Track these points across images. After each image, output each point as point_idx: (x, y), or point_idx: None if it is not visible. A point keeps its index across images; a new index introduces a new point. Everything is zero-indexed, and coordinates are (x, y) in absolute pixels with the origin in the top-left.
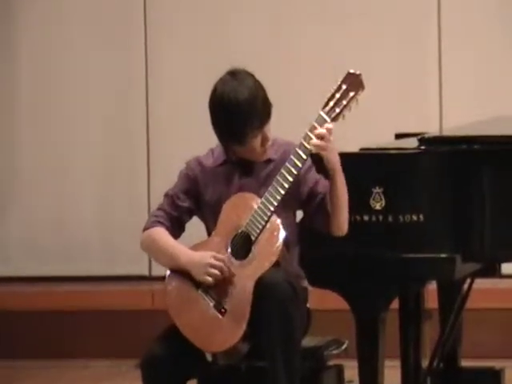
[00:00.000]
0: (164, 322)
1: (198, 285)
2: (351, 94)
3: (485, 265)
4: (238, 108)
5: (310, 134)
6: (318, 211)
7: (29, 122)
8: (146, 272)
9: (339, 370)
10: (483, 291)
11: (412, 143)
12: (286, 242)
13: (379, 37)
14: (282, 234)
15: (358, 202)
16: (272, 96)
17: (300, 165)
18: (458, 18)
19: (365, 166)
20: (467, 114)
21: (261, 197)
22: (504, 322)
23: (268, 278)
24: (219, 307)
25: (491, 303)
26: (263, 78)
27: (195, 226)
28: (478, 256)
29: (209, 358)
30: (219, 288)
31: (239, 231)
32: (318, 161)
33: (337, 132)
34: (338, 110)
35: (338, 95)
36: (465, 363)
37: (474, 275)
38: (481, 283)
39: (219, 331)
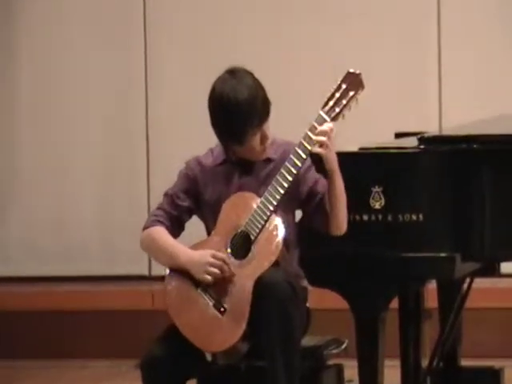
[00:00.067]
0: (164, 322)
1: (197, 284)
2: (351, 93)
3: (484, 264)
4: (238, 108)
5: (309, 133)
6: (317, 211)
7: (29, 122)
8: (145, 272)
9: (339, 369)
10: (483, 290)
11: (412, 142)
12: (285, 241)
13: (379, 37)
14: (282, 233)
15: (358, 202)
16: (272, 96)
17: (300, 164)
18: (457, 18)
19: (364, 165)
20: (467, 113)
21: (260, 196)
22: (503, 321)
23: (267, 278)
24: (219, 307)
25: (491, 302)
26: (263, 77)
27: (195, 226)
28: (477, 255)
29: (208, 357)
30: (219, 287)
31: (239, 231)
32: (317, 161)
33: (337, 131)
34: (337, 110)
35: (337, 95)
36: (464, 362)
37: (474, 274)
38: (480, 282)
39: (219, 331)
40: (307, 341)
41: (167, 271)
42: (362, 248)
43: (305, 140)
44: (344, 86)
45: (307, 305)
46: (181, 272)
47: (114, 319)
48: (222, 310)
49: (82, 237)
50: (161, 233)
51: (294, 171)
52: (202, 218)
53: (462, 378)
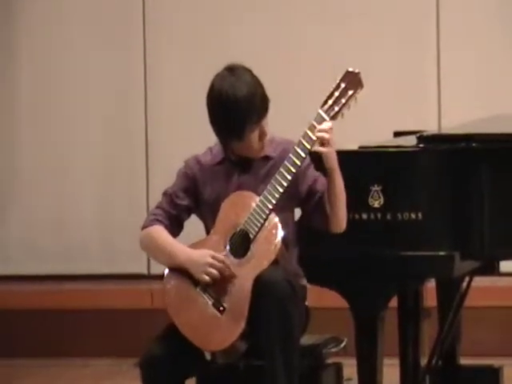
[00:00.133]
0: (163, 321)
1: (196, 283)
2: (350, 92)
3: (483, 263)
4: (237, 105)
5: (309, 132)
6: (316, 209)
7: (29, 122)
8: (144, 271)
9: (338, 367)
10: (482, 289)
11: (411, 141)
12: (284, 240)
13: (379, 37)
14: (281, 232)
15: (357, 200)
16: (272, 96)
17: (299, 163)
18: (456, 18)
19: (363, 164)
20: (466, 114)
21: (259, 194)
22: (503, 319)
23: (267, 277)
24: (218, 305)
25: (490, 301)
26: (263, 77)
27: (194, 225)
28: (476, 254)
29: (208, 356)
30: (218, 286)
31: (238, 229)
32: (316, 159)
33: (336, 130)
34: (336, 109)
35: (336, 93)
36: (464, 361)
37: (473, 273)
38: (479, 281)
39: (218, 330)
40: (306, 339)
41: (166, 270)
42: (361, 247)
43: (304, 139)
44: (343, 85)
45: (306, 303)
46: (180, 271)
47: (113, 318)
48: (222, 309)
49: (81, 236)
50: (160, 232)
51: (293, 170)
52: (201, 216)
53: (461, 377)
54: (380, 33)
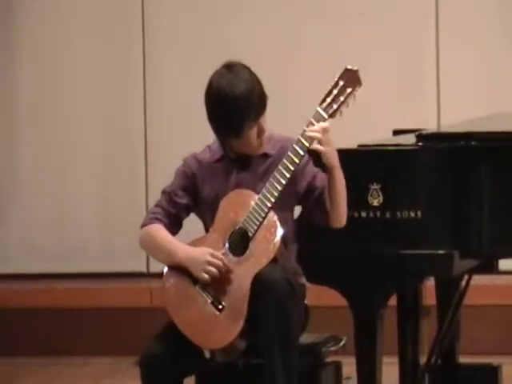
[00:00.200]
0: (162, 319)
1: (195, 281)
2: (348, 90)
3: (482, 261)
4: (235, 102)
5: (307, 129)
6: (316, 206)
7: (29, 122)
8: (144, 269)
9: (337, 366)
10: (481, 288)
11: (410, 140)
12: (283, 238)
13: (378, 36)
14: (280, 230)
15: (356, 199)
16: (272, 95)
17: (297, 161)
18: (456, 18)
19: (363, 162)
20: (465, 113)
21: (258, 192)
22: (502, 318)
23: (266, 275)
24: (217, 304)
25: (489, 300)
26: (263, 77)
27: (192, 223)
28: (475, 252)
29: (207, 354)
30: (217, 285)
31: (236, 227)
32: (315, 156)
33: (335, 129)
34: (335, 106)
35: (335, 91)
36: (463, 359)
37: (472, 271)
38: (478, 279)
39: (217, 328)
40: (305, 338)
41: (165, 269)
42: (360, 245)
43: (302, 137)
44: (341, 83)
45: (305, 302)
46: (179, 269)
47: (112, 316)
48: (220, 307)
49: (81, 236)
50: (159, 230)
51: (292, 168)
52: (200, 215)
53: (460, 375)
54: (379, 33)
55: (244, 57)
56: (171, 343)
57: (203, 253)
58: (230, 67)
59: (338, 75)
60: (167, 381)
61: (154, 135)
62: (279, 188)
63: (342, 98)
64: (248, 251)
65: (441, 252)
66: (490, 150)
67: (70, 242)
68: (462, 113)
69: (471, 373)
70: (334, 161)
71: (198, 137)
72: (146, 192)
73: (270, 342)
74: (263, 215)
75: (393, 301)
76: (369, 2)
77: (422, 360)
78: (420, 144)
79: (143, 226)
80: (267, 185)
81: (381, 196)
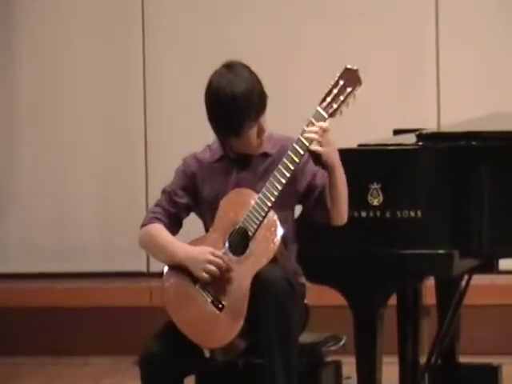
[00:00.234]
0: (162, 319)
1: (195, 281)
2: (348, 89)
3: (483, 261)
4: (235, 102)
5: (306, 129)
6: (317, 204)
7: (29, 122)
8: (143, 268)
9: (337, 366)
10: (481, 287)
11: (410, 139)
12: (283, 238)
13: (378, 36)
14: (280, 230)
15: (356, 198)
16: (272, 95)
17: (297, 160)
18: (456, 18)
19: (363, 162)
20: (465, 113)
21: (258, 191)
22: (502, 318)
23: (265, 275)
24: (217, 303)
25: (489, 299)
26: (263, 77)
27: (192, 222)
28: (475, 252)
29: (207, 354)
30: (217, 284)
31: (236, 227)
32: (316, 156)
33: (336, 128)
34: (335, 106)
35: (335, 91)
36: (463, 359)
37: (472, 271)
38: (478, 279)
39: (217, 327)
40: (305, 337)
41: (165, 268)
42: (360, 245)
43: (302, 136)
44: (342, 82)
45: (305, 301)
46: (179, 269)
47: (112, 316)
48: (220, 306)
49: (81, 236)
50: (159, 230)
51: (292, 167)
52: (200, 214)
53: (460, 375)
54: (380, 33)
55: (244, 57)
56: (171, 343)
57: (203, 252)
58: (229, 67)
59: (338, 75)
60: (167, 380)
61: (154, 135)
62: (279, 187)
63: (342, 98)
64: (248, 250)
65: (441, 252)
66: (491, 150)
67: (70, 242)
68: (462, 113)
69: (471, 373)
70: (335, 160)
71: (198, 137)
72: (145, 192)
73: (269, 342)
74: (263, 214)
75: (393, 300)
76: (369, 1)
77: (422, 360)
78: (420, 144)
79: (143, 225)
80: (267, 184)
81: (381, 196)
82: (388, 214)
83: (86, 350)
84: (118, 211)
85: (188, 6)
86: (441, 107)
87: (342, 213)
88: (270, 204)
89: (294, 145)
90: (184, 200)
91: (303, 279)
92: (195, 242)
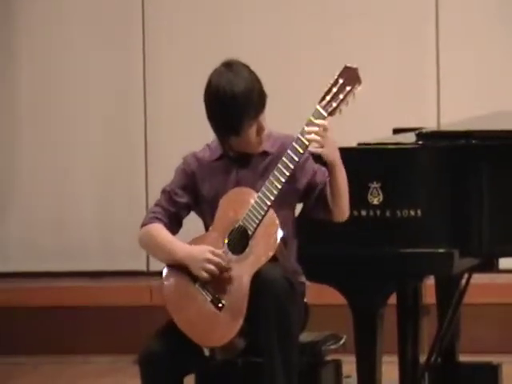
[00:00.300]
0: (162, 318)
1: (195, 280)
2: (348, 88)
3: (482, 260)
4: (234, 101)
5: (306, 129)
6: (318, 202)
7: (29, 122)
8: (143, 267)
9: (337, 365)
10: (481, 286)
11: (410, 138)
12: (283, 237)
13: (378, 36)
14: (280, 232)
15: (356, 197)
16: (271, 96)
17: (297, 159)
18: (456, 18)
19: (362, 161)
20: (465, 114)
21: (258, 190)
22: (502, 317)
23: (265, 274)
24: (216, 302)
25: (489, 298)
26: (263, 77)
27: (192, 222)
28: (475, 251)
29: (206, 353)
30: (216, 283)
31: (236, 226)
32: (316, 155)
33: (335, 127)
34: (334, 105)
35: (334, 89)
36: (463, 358)
37: (472, 270)
38: (478, 278)
39: (216, 326)
40: (305, 336)
41: (165, 267)
42: (360, 244)
43: (302, 135)
44: (341, 81)
45: (305, 300)
46: (179, 268)
47: (112, 315)
48: (220, 305)
49: (81, 236)
50: (159, 230)
51: (291, 166)
52: (200, 213)
53: (460, 374)
54: (380, 32)
55: (244, 56)
56: (171, 341)
57: (203, 251)
58: (229, 65)
59: (337, 73)
60: (166, 379)
61: (154, 135)
62: (279, 186)
63: (341, 96)
64: (247, 249)
65: (441, 251)
66: (490, 149)
67: (70, 242)
68: (462, 113)
69: (471, 371)
70: (335, 158)
71: (198, 136)
72: (145, 192)
73: (269, 341)
74: (263, 213)
75: (392, 299)
76: (369, 1)
77: (422, 359)
78: (420, 142)
79: (143, 225)
80: (267, 183)
81: (381, 195)
82: (388, 213)
83: (87, 349)
84: (118, 211)
85: (188, 5)
86: (441, 108)
87: (343, 209)
88: (269, 203)
89: (294, 144)
90: (184, 199)
91: (303, 278)
92: (195, 241)
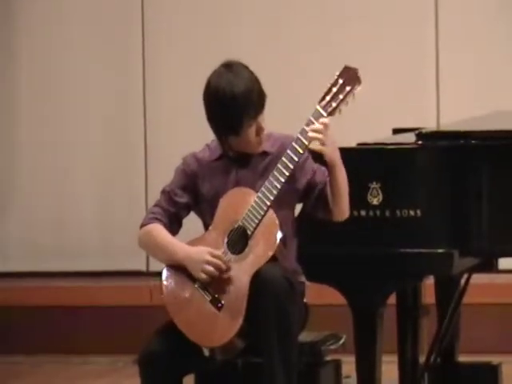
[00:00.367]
0: (162, 318)
1: (194, 280)
2: (348, 88)
3: (482, 260)
4: (234, 101)
5: (306, 128)
6: (317, 202)
7: (29, 122)
8: (143, 268)
9: (337, 364)
10: (480, 286)
11: (410, 138)
12: (282, 237)
13: (378, 38)
14: (279, 234)
15: (356, 197)
16: (271, 97)
17: (297, 159)
18: (455, 20)
19: (362, 161)
20: (464, 115)
21: (258, 190)
22: (501, 317)
23: (265, 274)
24: (216, 302)
25: (488, 298)
26: (262, 79)
27: (192, 222)
28: (475, 251)
29: (206, 353)
30: (216, 283)
31: (236, 226)
32: (316, 155)
33: (335, 127)
34: (334, 105)
35: (334, 89)
36: (462, 358)
37: (472, 270)
38: (478, 278)
39: (216, 326)
40: (305, 336)
41: (165, 267)
42: (359, 244)
43: (302, 135)
44: (341, 81)
45: (305, 300)
46: (178, 267)
47: (111, 315)
48: (219, 305)
49: (81, 236)
50: (158, 230)
51: (291, 166)
52: (200, 213)
53: (459, 374)
54: (379, 35)
55: (243, 58)
56: (170, 341)
57: (202, 252)
58: (228, 66)
59: (337, 73)
60: (166, 379)
61: (154, 135)
62: (278, 186)
63: (341, 97)
64: (247, 249)
65: (440, 251)
66: (490, 149)
67: (70, 242)
68: (462, 115)
69: (471, 371)
70: (335, 158)
71: (198, 137)
72: (145, 192)
73: (269, 341)
74: (262, 213)
75: (392, 299)
76: (368, 3)
77: (422, 359)
78: (419, 143)
79: (142, 225)
80: (266, 183)
81: (380, 195)
82: (388, 213)
83: (86, 349)
84: (118, 211)
85: (187, 7)
86: (440, 109)
87: (343, 209)
88: (269, 203)
89: (294, 144)
90: (184, 199)
91: (303, 278)
92: (195, 242)
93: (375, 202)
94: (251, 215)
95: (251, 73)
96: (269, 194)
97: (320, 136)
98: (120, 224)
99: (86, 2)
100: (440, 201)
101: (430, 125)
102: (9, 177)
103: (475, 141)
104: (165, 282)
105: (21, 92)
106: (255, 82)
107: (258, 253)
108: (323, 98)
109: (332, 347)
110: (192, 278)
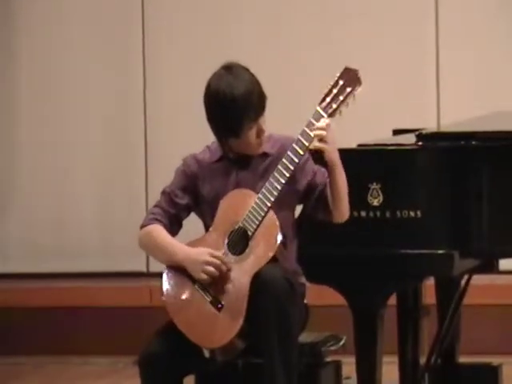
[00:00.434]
0: (162, 319)
1: (194, 280)
2: (348, 89)
3: (483, 261)
4: (234, 103)
5: (306, 129)
6: (318, 203)
7: (29, 122)
8: (143, 268)
9: (337, 365)
10: (481, 287)
11: (410, 139)
12: (283, 238)
13: (378, 36)
14: (280, 235)
15: (356, 198)
16: (271, 96)
17: (297, 160)
18: (455, 18)
19: (362, 162)
20: (465, 114)
21: (258, 191)
22: (502, 317)
23: (265, 274)
24: (216, 303)
25: (489, 299)
26: (262, 78)
27: (192, 223)
28: (476, 252)
29: (206, 354)
30: (216, 284)
31: (236, 227)
32: (316, 154)
33: (335, 128)
34: (334, 106)
35: (335, 91)
36: (462, 359)
37: (472, 271)
38: (478, 279)
39: (216, 327)
40: (305, 337)
41: (165, 268)
42: (360, 245)
43: (302, 136)
44: (341, 82)
45: (305, 301)
46: (178, 268)
47: (111, 316)
48: (220, 306)
49: (81, 236)
50: (158, 231)
51: (291, 167)
52: (200, 214)
53: (460, 375)
54: (379, 32)
55: (244, 57)
56: (170, 342)
57: (202, 253)
58: (228, 68)
59: (337, 74)
60: (166, 380)
61: (154, 135)
62: (279, 187)
63: (341, 98)
64: (247, 250)
65: (441, 252)
66: (490, 150)
67: (70, 242)
68: (462, 113)
69: (471, 372)
70: (335, 158)
71: (198, 137)
72: (145, 192)
73: (269, 342)
74: (263, 214)
75: (393, 300)
76: (369, 1)
77: (422, 359)
78: (420, 143)
79: (142, 226)
80: (267, 184)
81: (381, 196)
82: (388, 214)
83: (86, 349)
84: (118, 211)
85: (188, 5)
86: (441, 107)
87: (342, 210)
88: (269, 204)
89: (294, 145)
90: (184, 200)
91: (303, 279)
92: (195, 243)
93: (375, 202)
94: (252, 216)
95: (251, 75)
96: (269, 196)
97: (324, 133)
98: (120, 224)
99: (86, 2)
100: (440, 202)
101: (430, 123)
102: (9, 177)
103: (475, 142)
104: (165, 283)
105: (21, 92)
106: (255, 84)
107: (259, 254)
108: (323, 100)
109: (332, 348)
110: (192, 279)
